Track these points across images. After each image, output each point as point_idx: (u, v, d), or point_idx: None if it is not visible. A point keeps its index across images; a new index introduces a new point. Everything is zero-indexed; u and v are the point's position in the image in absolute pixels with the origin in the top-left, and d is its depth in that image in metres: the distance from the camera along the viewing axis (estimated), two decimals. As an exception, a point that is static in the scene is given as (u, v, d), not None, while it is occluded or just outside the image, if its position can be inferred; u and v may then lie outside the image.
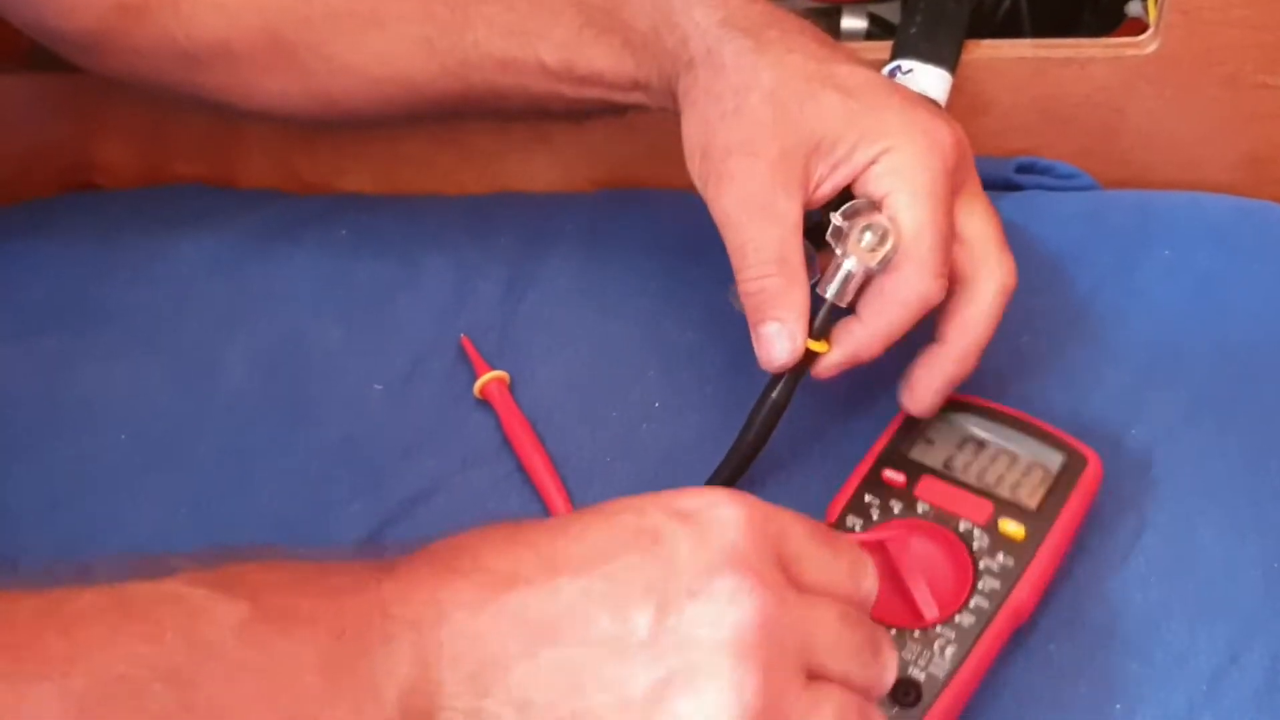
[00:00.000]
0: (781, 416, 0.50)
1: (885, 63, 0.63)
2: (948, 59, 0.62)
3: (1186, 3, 0.62)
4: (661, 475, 0.55)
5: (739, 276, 0.49)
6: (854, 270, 0.48)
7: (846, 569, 0.40)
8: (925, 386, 0.50)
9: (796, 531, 0.39)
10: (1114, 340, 0.58)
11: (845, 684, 0.38)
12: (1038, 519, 0.48)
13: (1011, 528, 0.48)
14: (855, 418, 0.55)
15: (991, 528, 0.48)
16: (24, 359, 0.62)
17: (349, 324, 0.61)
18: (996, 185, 0.66)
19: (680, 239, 0.64)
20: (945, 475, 0.50)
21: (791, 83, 0.48)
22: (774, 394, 0.50)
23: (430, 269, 0.64)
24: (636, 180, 0.68)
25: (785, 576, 0.37)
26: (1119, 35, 0.68)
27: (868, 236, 0.47)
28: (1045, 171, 0.67)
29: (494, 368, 0.58)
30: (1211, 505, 0.52)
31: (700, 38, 0.50)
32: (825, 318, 0.49)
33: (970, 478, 0.50)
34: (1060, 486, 0.49)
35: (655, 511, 0.38)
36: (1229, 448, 0.53)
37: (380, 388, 0.59)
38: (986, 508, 0.48)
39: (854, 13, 0.76)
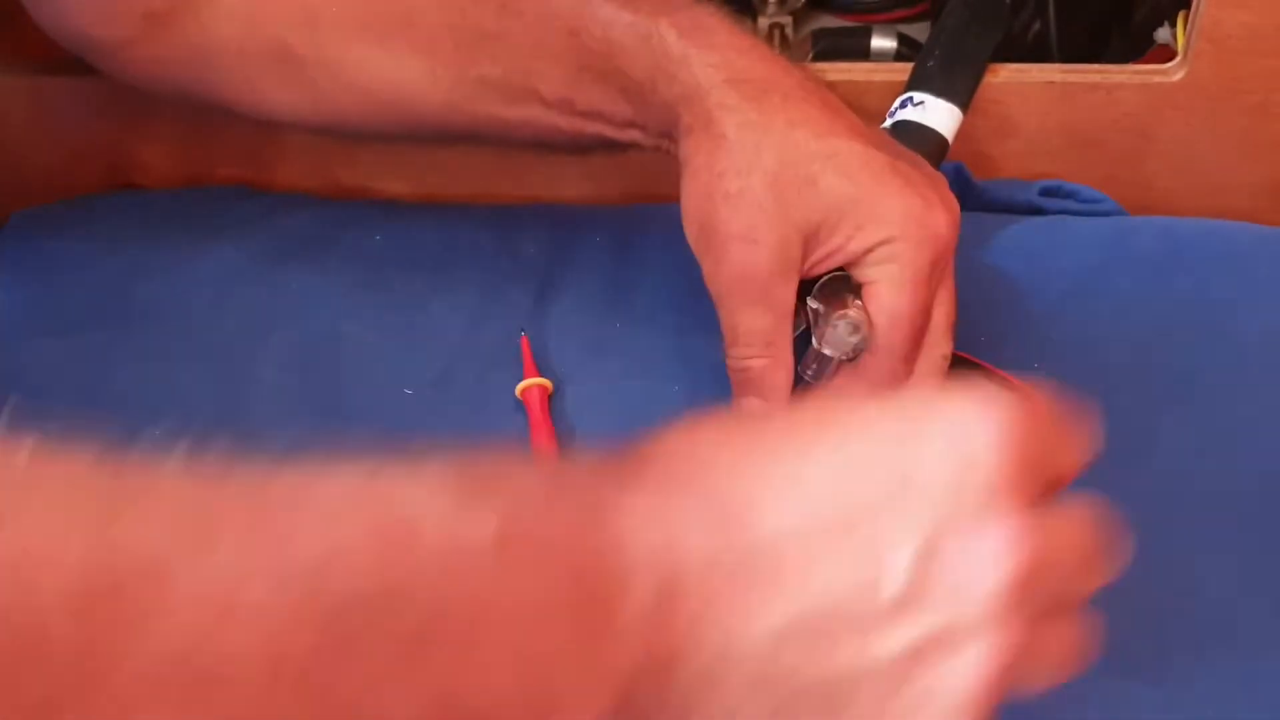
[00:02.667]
0: None
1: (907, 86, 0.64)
2: (961, 95, 0.63)
3: (1215, 31, 0.63)
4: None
5: (728, 352, 0.51)
6: (830, 356, 0.50)
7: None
8: None
9: (1062, 450, 0.35)
10: (1131, 369, 0.59)
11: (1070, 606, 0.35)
12: None
13: None
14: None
15: None
16: (64, 354, 0.63)
17: (381, 328, 0.63)
18: (1021, 209, 0.67)
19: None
20: None
21: (794, 165, 0.49)
22: None
23: (462, 276, 0.65)
24: (669, 195, 0.69)
25: (1044, 496, 0.34)
26: (1147, 62, 0.69)
27: (842, 327, 0.49)
28: (1070, 195, 0.67)
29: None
30: (1222, 534, 0.52)
31: (701, 100, 0.50)
32: (807, 379, 0.51)
33: None
34: None
35: (901, 428, 0.33)
36: (1241, 477, 0.54)
37: (410, 392, 0.61)
38: None
39: (883, 33, 0.77)
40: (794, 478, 0.33)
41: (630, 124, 0.54)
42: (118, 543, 0.27)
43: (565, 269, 0.65)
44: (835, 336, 0.49)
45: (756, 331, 0.50)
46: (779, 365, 0.50)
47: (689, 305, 0.62)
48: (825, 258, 0.50)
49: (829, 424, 0.34)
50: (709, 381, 0.59)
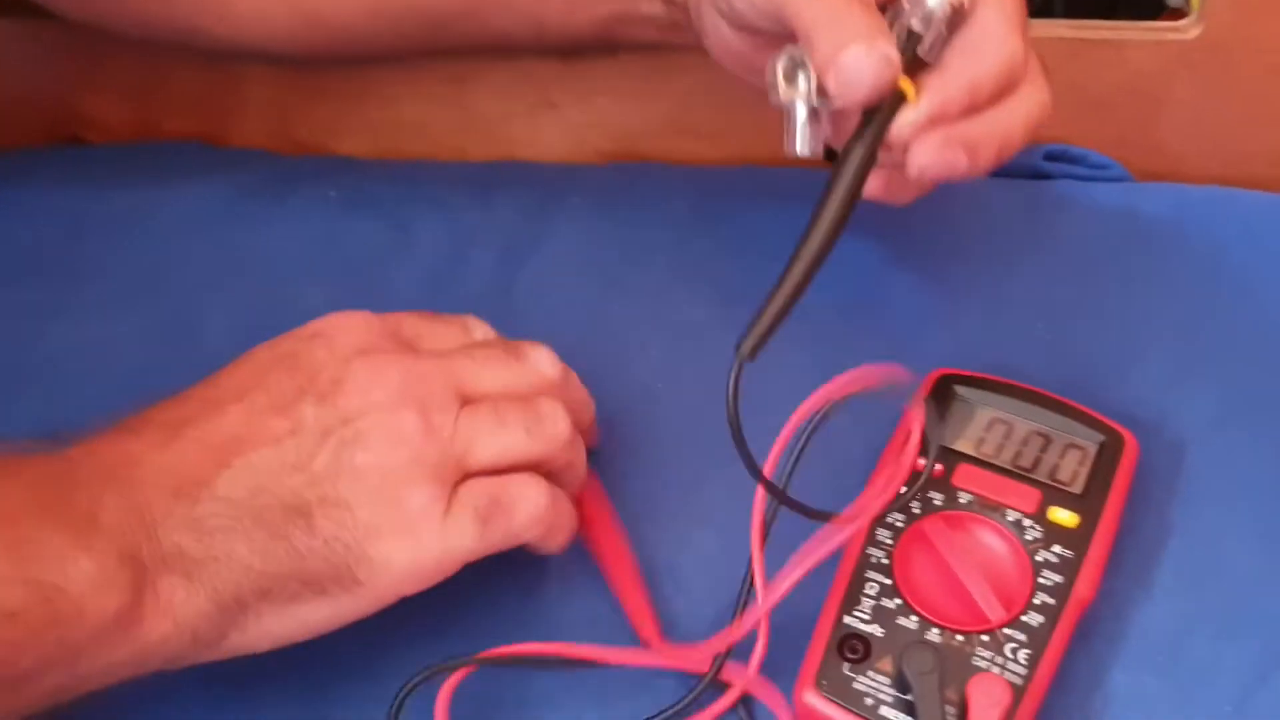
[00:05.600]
0: (864, 181, 0.43)
1: None
2: None
3: (1232, -14, 0.59)
4: (655, 456, 0.52)
5: (800, 27, 0.42)
6: (936, 8, 0.43)
7: (458, 330, 0.47)
8: (921, 139, 0.43)
9: (409, 320, 0.46)
10: (1143, 336, 0.55)
11: (499, 400, 0.44)
12: (1087, 503, 0.46)
13: (1062, 515, 0.45)
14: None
15: (1041, 516, 0.45)
16: (2, 309, 0.59)
17: (334, 288, 0.58)
18: (1024, 173, 0.63)
19: (689, 214, 0.61)
20: (981, 461, 0.47)
21: None
22: (860, 148, 0.43)
23: (424, 235, 0.61)
24: (646, 154, 0.65)
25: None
26: (1159, 22, 0.65)
27: None
28: (1076, 160, 0.63)
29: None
30: (1243, 511, 0.48)
31: None
32: (909, 47, 0.43)
33: (1007, 462, 0.47)
34: (1103, 467, 0.47)
35: (284, 340, 0.44)
36: (1263, 451, 0.50)
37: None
38: (1033, 495, 0.46)
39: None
40: (207, 392, 0.43)
41: None
42: None
43: (536, 229, 0.61)
44: None
45: None
46: (871, 11, 0.43)
47: (667, 266, 0.59)
48: None
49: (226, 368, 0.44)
50: (686, 343, 0.55)
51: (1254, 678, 0.44)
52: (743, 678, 0.44)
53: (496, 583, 0.47)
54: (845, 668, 0.42)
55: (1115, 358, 0.54)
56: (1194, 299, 0.57)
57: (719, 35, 0.49)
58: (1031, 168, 0.63)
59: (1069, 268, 0.58)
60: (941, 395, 0.49)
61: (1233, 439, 0.51)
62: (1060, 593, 0.43)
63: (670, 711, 0.44)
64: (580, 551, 0.48)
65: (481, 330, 0.48)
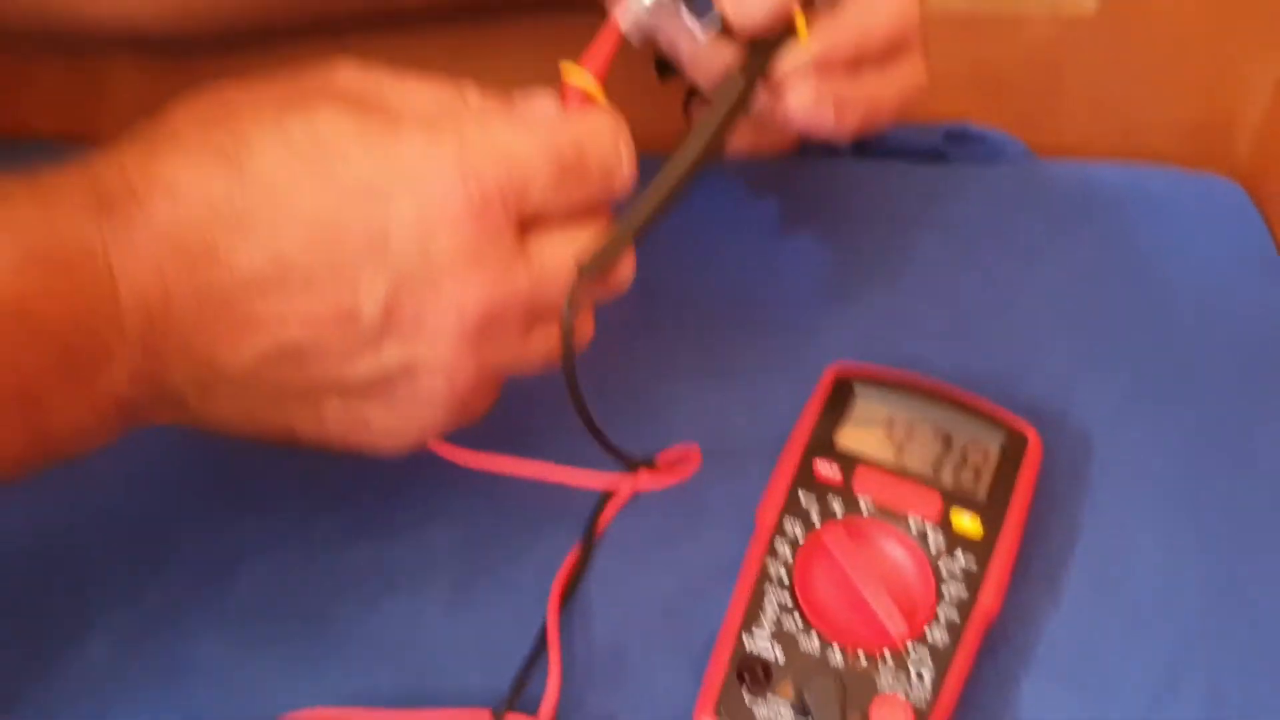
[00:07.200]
0: (744, 107, 0.43)
1: None
2: None
3: (1129, -43, 0.57)
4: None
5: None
6: None
7: (598, 188, 0.39)
8: (800, 82, 0.43)
9: (538, 183, 0.38)
10: (1047, 320, 0.54)
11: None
12: (990, 510, 0.44)
13: (966, 522, 0.44)
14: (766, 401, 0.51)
15: (944, 524, 0.44)
16: None
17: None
18: (923, 154, 0.61)
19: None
20: (882, 464, 0.45)
21: None
22: (741, 78, 0.42)
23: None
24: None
25: (521, 230, 0.38)
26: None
27: None
28: (978, 140, 0.62)
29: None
30: (1149, 508, 0.47)
31: None
32: None
33: (909, 465, 0.46)
34: (1006, 471, 0.45)
35: (373, 172, 0.36)
36: (1169, 441, 0.49)
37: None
38: (935, 500, 0.44)
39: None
40: (273, 226, 0.36)
41: None
42: None
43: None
44: None
45: None
46: None
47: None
48: None
49: (308, 167, 0.36)
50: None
51: (1164, 684, 0.43)
52: None
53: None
54: (745, 695, 0.41)
55: (1019, 346, 0.53)
56: (1098, 282, 0.56)
57: None
58: (931, 149, 0.61)
59: (971, 254, 0.56)
60: (839, 394, 0.48)
61: (1138, 429, 0.49)
62: (964, 606, 0.42)
63: None
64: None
65: (623, 170, 0.40)
